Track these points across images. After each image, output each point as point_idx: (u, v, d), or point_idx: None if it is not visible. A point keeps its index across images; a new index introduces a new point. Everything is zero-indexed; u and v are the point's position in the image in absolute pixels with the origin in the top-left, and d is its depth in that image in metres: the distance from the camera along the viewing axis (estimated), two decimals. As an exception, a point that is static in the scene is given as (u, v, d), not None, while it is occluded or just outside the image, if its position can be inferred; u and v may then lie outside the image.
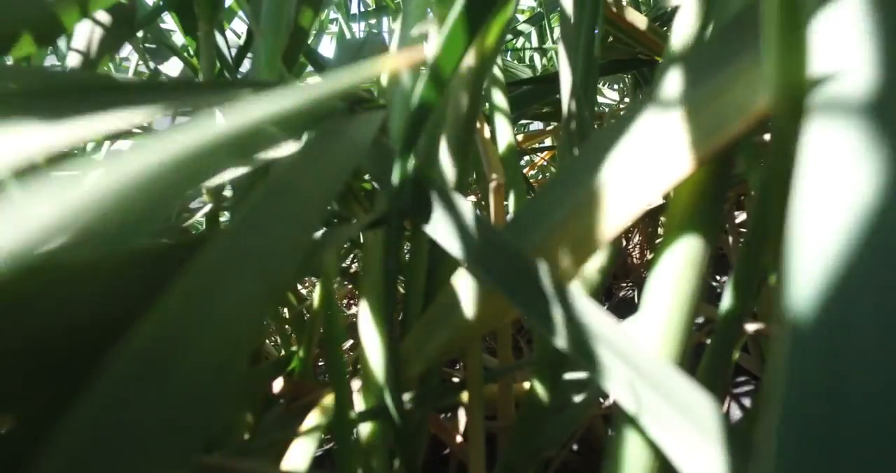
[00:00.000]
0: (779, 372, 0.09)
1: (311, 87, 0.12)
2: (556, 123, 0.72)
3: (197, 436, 0.09)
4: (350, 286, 0.76)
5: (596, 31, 0.29)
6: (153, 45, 0.49)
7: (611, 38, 0.55)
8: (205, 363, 0.10)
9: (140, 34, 0.51)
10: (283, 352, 0.45)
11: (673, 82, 0.17)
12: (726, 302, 0.22)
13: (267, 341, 0.65)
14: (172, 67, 0.55)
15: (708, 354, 0.23)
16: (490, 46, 0.22)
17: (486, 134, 0.39)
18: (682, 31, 0.19)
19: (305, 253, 0.14)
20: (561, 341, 0.18)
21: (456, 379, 0.47)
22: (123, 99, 0.14)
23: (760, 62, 0.15)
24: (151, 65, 0.52)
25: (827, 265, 0.09)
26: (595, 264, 0.24)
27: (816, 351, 0.09)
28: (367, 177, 0.38)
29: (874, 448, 0.08)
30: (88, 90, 0.14)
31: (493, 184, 0.26)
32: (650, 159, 0.17)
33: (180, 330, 0.10)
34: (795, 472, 0.08)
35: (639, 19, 0.44)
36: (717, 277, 0.68)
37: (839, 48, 0.11)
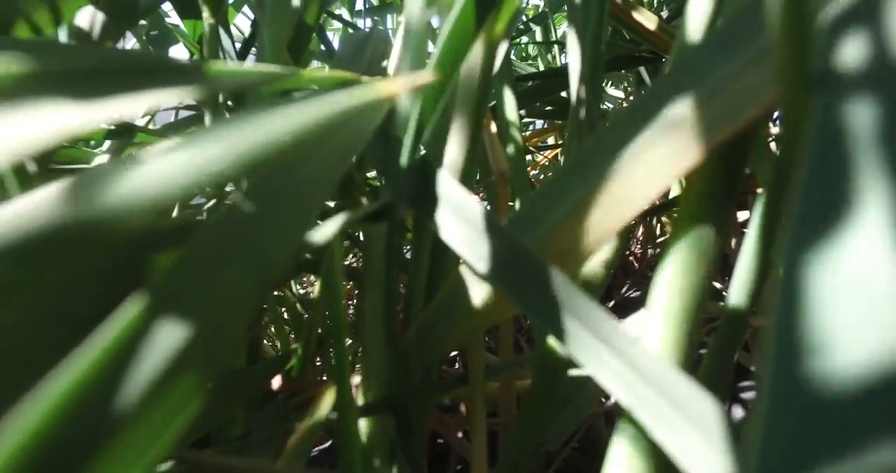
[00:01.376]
0: (766, 367, 0.09)
1: (309, 109, 0.12)
2: (559, 121, 0.72)
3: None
4: (349, 286, 0.76)
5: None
6: (155, 32, 0.48)
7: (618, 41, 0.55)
8: (194, 346, 0.10)
9: (144, 23, 0.51)
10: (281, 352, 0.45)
11: (684, 68, 0.17)
12: (732, 297, 0.22)
13: (266, 341, 0.65)
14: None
15: (710, 351, 0.23)
16: (499, 34, 0.22)
17: (492, 128, 0.38)
18: (696, 17, 0.18)
19: (304, 238, 0.14)
20: (562, 340, 0.17)
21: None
22: (139, 82, 0.14)
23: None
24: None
25: (819, 261, 0.09)
26: (599, 258, 0.23)
27: (803, 347, 0.08)
28: (370, 174, 0.37)
29: (854, 446, 0.08)
30: (110, 71, 0.14)
31: (497, 176, 0.25)
32: (659, 148, 0.17)
33: (168, 313, 0.10)
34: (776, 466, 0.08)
35: (647, 16, 0.44)
36: (718, 278, 0.68)
37: (848, 37, 0.11)
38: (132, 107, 0.13)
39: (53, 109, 0.11)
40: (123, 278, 0.11)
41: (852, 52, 0.11)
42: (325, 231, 0.16)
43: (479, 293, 0.21)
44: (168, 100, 0.14)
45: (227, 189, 0.37)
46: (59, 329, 0.10)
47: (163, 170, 0.10)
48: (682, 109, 0.17)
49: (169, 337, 0.10)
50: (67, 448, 0.08)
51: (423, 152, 0.25)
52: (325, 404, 0.21)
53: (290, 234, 0.13)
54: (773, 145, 0.44)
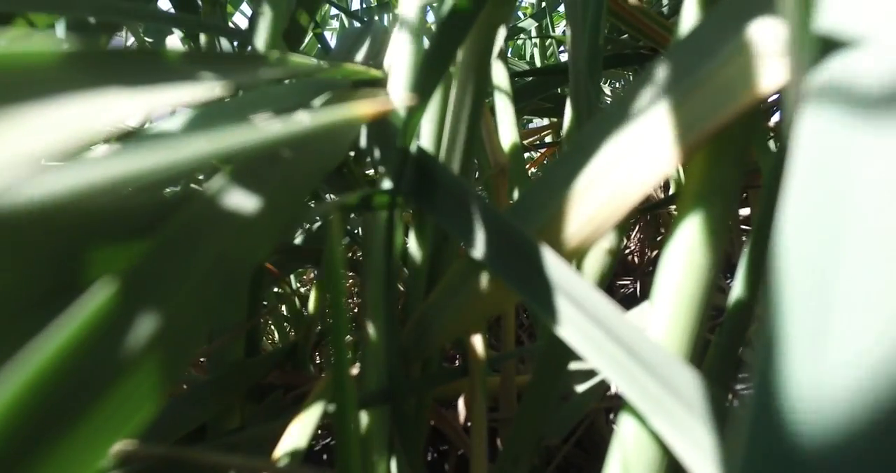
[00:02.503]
0: (757, 358, 0.09)
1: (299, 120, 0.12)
2: (556, 119, 0.72)
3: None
4: (349, 283, 0.76)
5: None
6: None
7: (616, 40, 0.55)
8: (161, 337, 0.09)
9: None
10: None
11: (679, 53, 0.17)
12: (736, 293, 0.22)
13: (265, 338, 0.65)
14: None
15: (715, 346, 0.23)
16: (498, 22, 0.22)
17: (490, 122, 0.38)
18: (692, 5, 0.18)
19: (284, 230, 0.14)
20: (563, 330, 0.17)
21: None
22: (195, 69, 0.14)
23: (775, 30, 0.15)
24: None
25: (811, 258, 0.09)
26: (601, 248, 0.23)
27: (796, 338, 0.08)
28: (370, 172, 0.37)
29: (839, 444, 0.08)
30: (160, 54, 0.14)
31: (496, 169, 0.25)
32: (656, 136, 0.17)
33: (136, 300, 0.09)
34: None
35: (645, 12, 0.43)
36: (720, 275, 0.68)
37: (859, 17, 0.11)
38: (188, 95, 0.13)
39: (104, 95, 0.11)
40: (94, 257, 0.11)
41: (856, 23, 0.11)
42: (321, 208, 0.16)
43: (480, 283, 0.21)
44: (225, 88, 0.14)
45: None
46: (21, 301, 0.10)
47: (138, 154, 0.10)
48: (677, 96, 0.16)
49: (136, 326, 0.09)
50: (29, 432, 0.08)
51: (421, 143, 0.25)
52: (324, 395, 0.21)
53: (268, 227, 0.12)
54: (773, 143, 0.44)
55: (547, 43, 0.86)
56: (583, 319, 0.17)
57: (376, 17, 0.87)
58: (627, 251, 0.80)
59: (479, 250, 0.20)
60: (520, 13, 0.94)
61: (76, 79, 0.10)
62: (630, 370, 0.16)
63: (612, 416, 0.41)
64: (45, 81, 0.10)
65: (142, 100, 0.11)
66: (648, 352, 0.16)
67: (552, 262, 0.18)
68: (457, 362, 0.56)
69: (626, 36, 0.58)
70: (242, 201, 0.12)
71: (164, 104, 0.12)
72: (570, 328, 0.17)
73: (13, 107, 0.09)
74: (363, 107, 0.14)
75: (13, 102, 0.09)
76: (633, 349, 0.16)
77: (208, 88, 0.14)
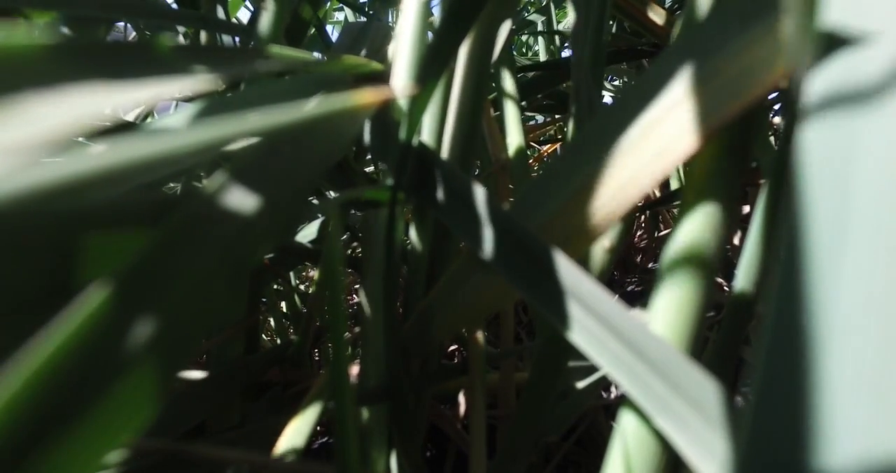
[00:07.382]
0: (760, 355, 0.08)
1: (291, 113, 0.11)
2: (559, 115, 0.72)
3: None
4: (349, 280, 0.76)
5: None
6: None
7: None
8: (159, 339, 0.09)
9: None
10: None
11: (685, 46, 0.16)
12: (737, 289, 0.22)
13: (264, 337, 0.65)
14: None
15: (715, 342, 0.23)
16: (501, 17, 0.21)
17: (491, 118, 0.38)
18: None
19: (285, 228, 0.14)
20: (565, 328, 0.17)
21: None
22: (177, 64, 0.14)
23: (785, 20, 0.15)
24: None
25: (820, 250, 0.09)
26: (602, 245, 0.23)
27: (800, 338, 0.08)
28: (370, 169, 0.37)
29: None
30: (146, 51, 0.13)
31: (497, 165, 0.25)
32: (663, 128, 0.17)
33: (133, 301, 0.09)
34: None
35: (652, 9, 0.43)
36: (720, 274, 0.68)
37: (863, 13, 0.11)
38: (183, 87, 0.13)
39: (97, 87, 0.11)
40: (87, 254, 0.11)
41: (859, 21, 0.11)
42: (322, 204, 0.16)
43: (480, 280, 0.21)
44: (220, 81, 0.13)
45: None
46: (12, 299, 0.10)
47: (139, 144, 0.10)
48: (684, 89, 0.16)
49: (133, 328, 0.09)
50: (20, 439, 0.08)
51: (422, 138, 0.25)
52: (323, 392, 0.21)
53: (270, 223, 0.12)
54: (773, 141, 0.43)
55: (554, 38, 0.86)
56: (586, 316, 0.17)
57: (379, 11, 0.86)
58: (629, 248, 0.80)
59: (480, 247, 0.19)
60: (525, 10, 0.93)
61: (68, 71, 0.10)
62: (634, 368, 0.16)
63: (612, 414, 0.41)
64: (36, 73, 0.09)
65: (135, 91, 0.11)
66: (653, 351, 0.16)
67: (555, 259, 0.18)
68: (456, 359, 0.56)
69: (630, 32, 0.57)
70: (243, 197, 0.12)
71: (158, 96, 0.12)
72: (573, 325, 0.17)
73: (2, 99, 0.09)
74: (366, 96, 0.14)
75: (3, 94, 0.09)
76: (638, 347, 0.16)
77: (204, 81, 0.13)
